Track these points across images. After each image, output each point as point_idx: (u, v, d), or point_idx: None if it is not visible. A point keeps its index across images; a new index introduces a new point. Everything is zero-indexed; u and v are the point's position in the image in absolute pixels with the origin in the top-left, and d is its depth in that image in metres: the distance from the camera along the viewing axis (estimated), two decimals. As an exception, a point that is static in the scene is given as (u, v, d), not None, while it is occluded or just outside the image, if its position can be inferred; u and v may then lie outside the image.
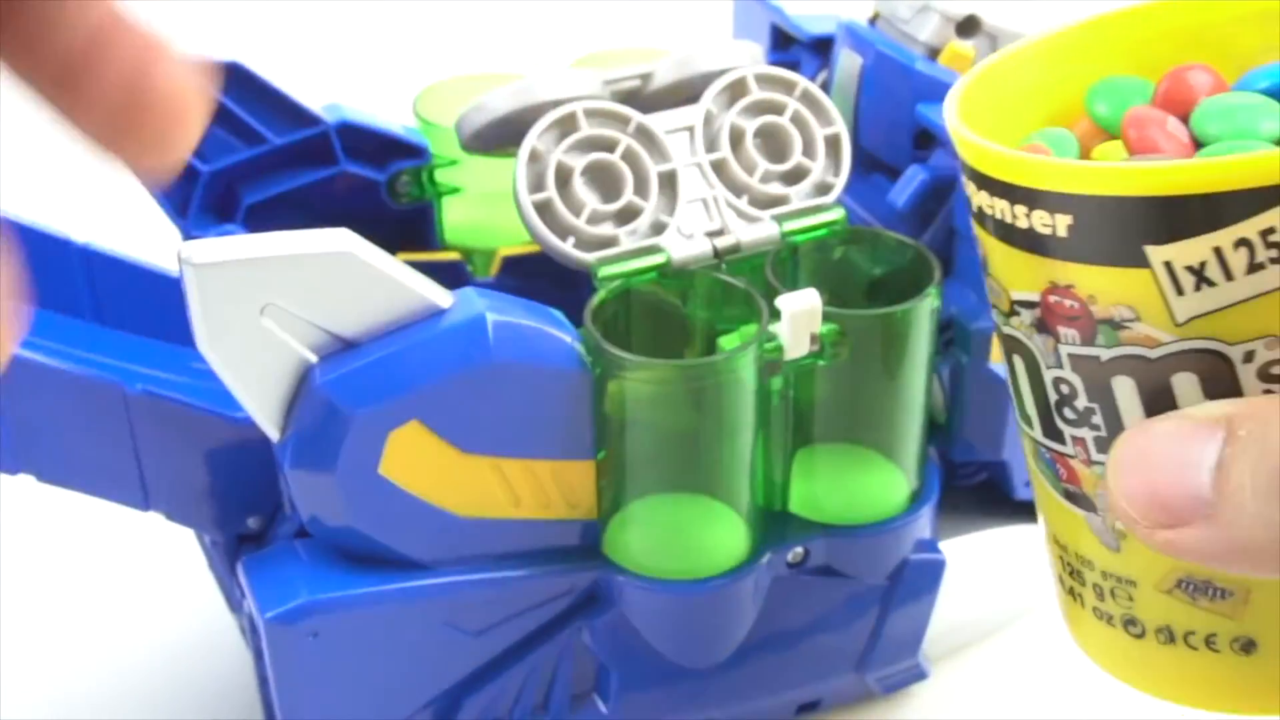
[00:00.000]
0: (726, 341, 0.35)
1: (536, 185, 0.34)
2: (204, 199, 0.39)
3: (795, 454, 0.35)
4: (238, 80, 0.38)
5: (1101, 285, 0.24)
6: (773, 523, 0.35)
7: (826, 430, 0.35)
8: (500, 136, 0.37)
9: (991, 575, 0.40)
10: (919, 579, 0.37)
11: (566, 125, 0.35)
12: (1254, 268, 0.23)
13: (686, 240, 0.35)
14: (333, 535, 0.32)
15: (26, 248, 0.34)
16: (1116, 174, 0.23)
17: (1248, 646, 0.26)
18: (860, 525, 0.35)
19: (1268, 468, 0.22)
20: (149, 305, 0.36)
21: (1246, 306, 0.23)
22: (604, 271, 0.34)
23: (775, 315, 0.32)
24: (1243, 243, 0.23)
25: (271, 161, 0.39)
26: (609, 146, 0.35)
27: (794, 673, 0.37)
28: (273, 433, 0.31)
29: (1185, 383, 0.24)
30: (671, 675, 0.35)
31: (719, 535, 0.34)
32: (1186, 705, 0.27)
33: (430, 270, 0.41)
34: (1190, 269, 0.23)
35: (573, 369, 0.31)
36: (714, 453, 0.33)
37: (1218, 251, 0.23)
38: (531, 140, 0.34)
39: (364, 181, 0.40)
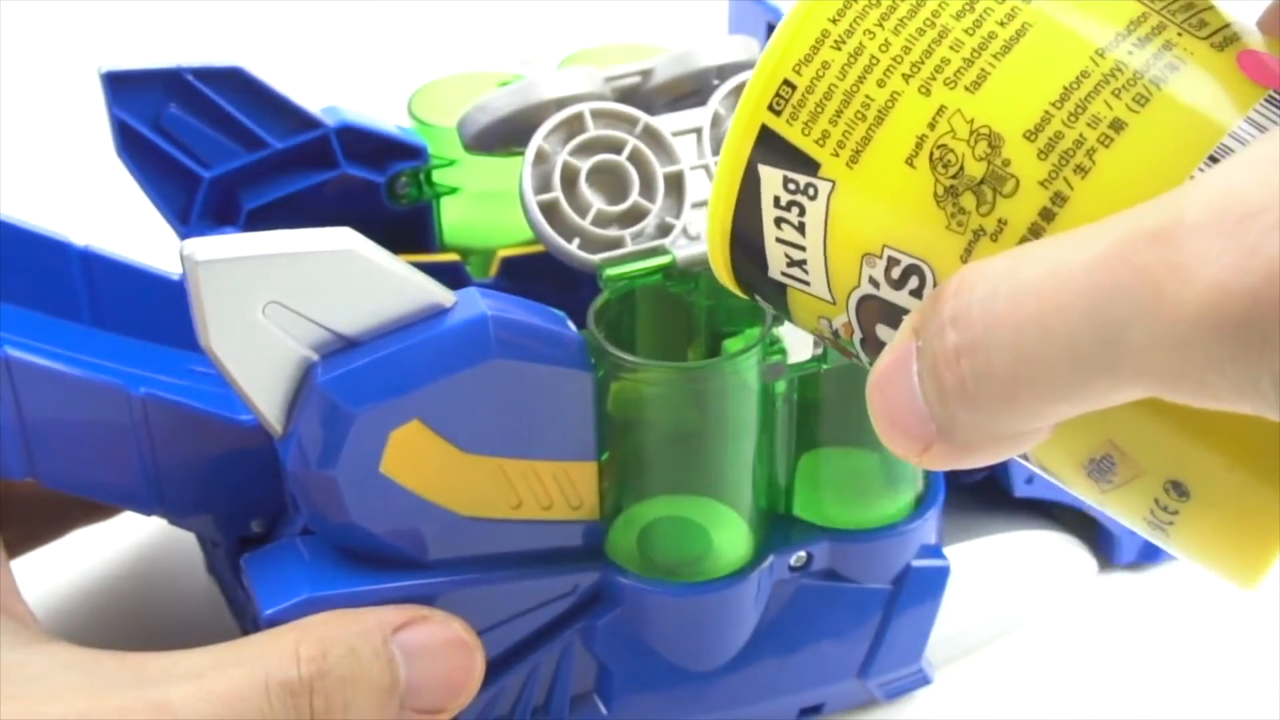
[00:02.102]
0: (731, 344, 0.35)
1: (543, 186, 0.34)
2: (205, 204, 0.39)
3: (799, 457, 0.35)
4: (239, 85, 0.38)
5: (801, 316, 0.27)
6: (776, 526, 0.35)
7: (831, 434, 0.35)
8: (504, 136, 0.37)
9: (995, 582, 0.40)
10: (923, 585, 0.36)
11: (573, 126, 0.35)
12: (801, 228, 0.25)
13: (692, 242, 0.35)
14: (335, 533, 0.32)
15: (25, 251, 0.35)
16: (708, 246, 0.27)
17: (1179, 489, 0.25)
18: (864, 530, 0.35)
19: (939, 386, 0.22)
20: (148, 308, 0.36)
21: (832, 255, 0.25)
22: (609, 272, 0.34)
23: (779, 319, 0.32)
24: (779, 221, 0.25)
25: (272, 166, 0.39)
26: (616, 148, 0.35)
27: (796, 677, 0.36)
28: (275, 430, 0.30)
29: (885, 334, 0.26)
30: (673, 677, 0.35)
31: (722, 538, 0.34)
32: (1257, 569, 0.25)
33: (429, 272, 0.41)
34: (789, 265, 0.26)
35: (575, 370, 0.31)
36: (717, 455, 0.33)
37: (780, 240, 0.26)
38: (538, 141, 0.34)
39: (363, 183, 0.40)
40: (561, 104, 0.36)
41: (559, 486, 0.33)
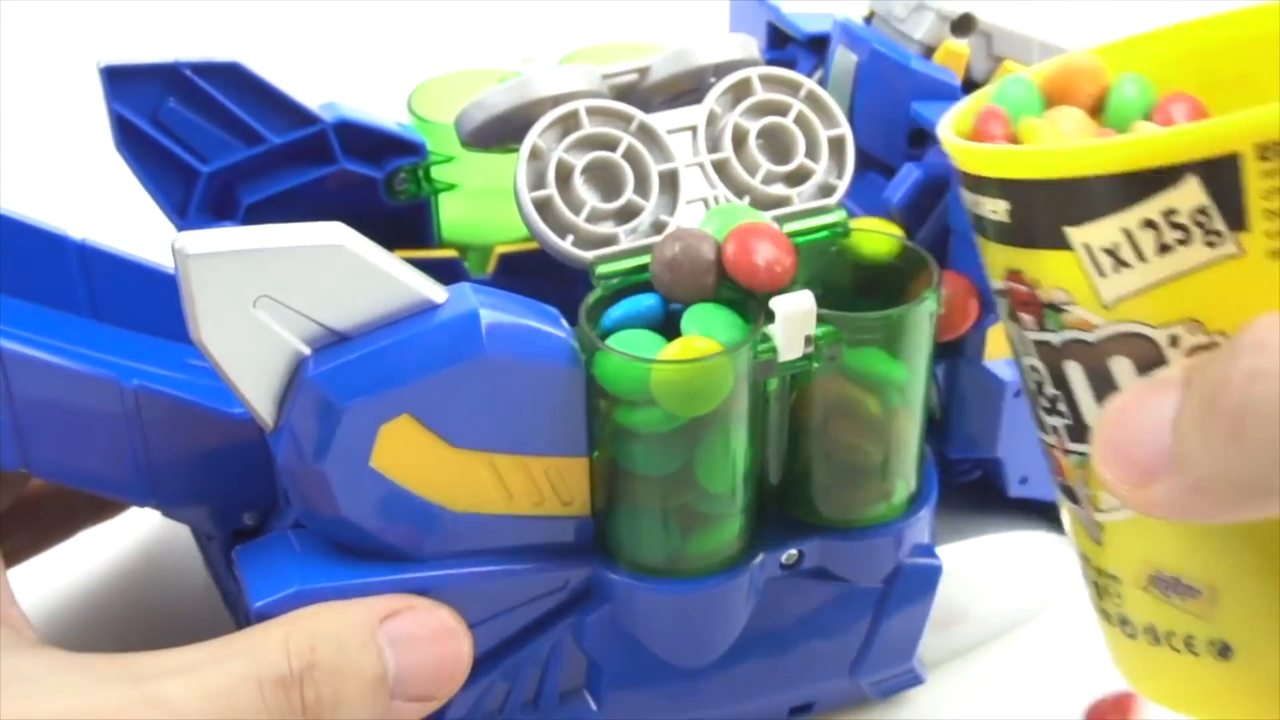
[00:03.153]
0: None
1: (537, 183, 0.34)
2: (203, 199, 0.39)
3: (793, 455, 0.35)
4: (237, 80, 0.38)
5: (1040, 269, 0.25)
6: (768, 523, 0.35)
7: (825, 432, 0.35)
8: (500, 133, 0.37)
9: (990, 582, 0.40)
10: (915, 584, 0.36)
11: (568, 123, 0.35)
12: (1163, 249, 0.23)
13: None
14: (326, 527, 0.32)
15: (24, 244, 0.35)
16: (1029, 157, 0.25)
17: (1224, 651, 0.26)
18: (856, 528, 0.35)
19: (1207, 410, 0.22)
20: (145, 301, 0.37)
21: (1164, 289, 0.24)
22: (601, 269, 0.34)
23: (771, 316, 0.32)
24: (1148, 224, 0.23)
25: (270, 161, 0.39)
26: (611, 145, 0.35)
27: (786, 675, 0.36)
28: (266, 424, 0.31)
29: (1121, 367, 0.25)
30: (663, 674, 0.35)
31: (714, 535, 0.34)
32: (1174, 710, 0.27)
33: (427, 267, 0.41)
34: (1106, 250, 0.24)
35: (565, 366, 0.31)
36: (707, 452, 0.33)
37: (1127, 233, 0.24)
38: (533, 138, 0.34)
39: (362, 179, 0.40)
40: (558, 101, 0.36)
41: (550, 482, 0.33)
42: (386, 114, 0.42)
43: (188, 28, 0.73)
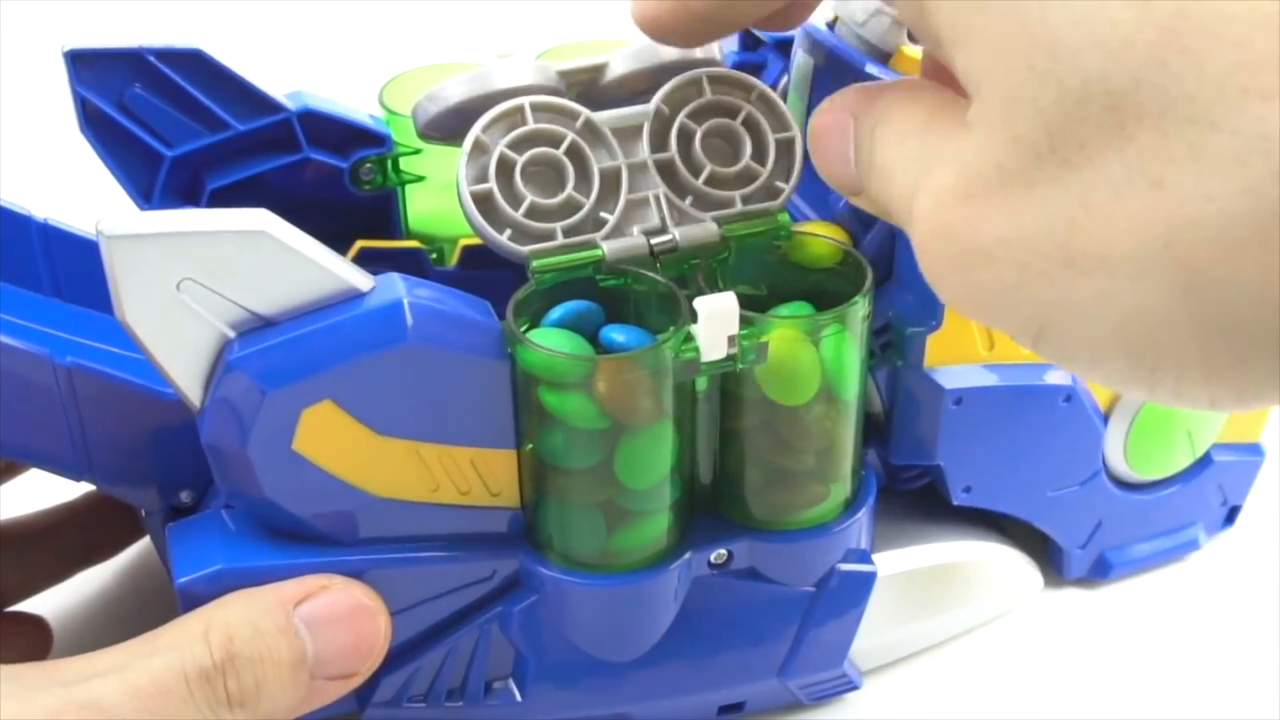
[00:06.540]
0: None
1: (478, 177, 0.35)
2: (168, 183, 0.40)
3: (724, 455, 0.35)
4: (201, 67, 0.38)
5: None
6: (699, 522, 0.35)
7: (757, 432, 0.35)
8: (454, 125, 0.37)
9: (929, 589, 0.40)
10: (847, 589, 0.36)
11: (513, 119, 0.35)
12: None
13: (624, 238, 0.35)
14: (252, 508, 0.32)
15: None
16: None
17: None
18: (788, 530, 0.35)
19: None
20: (105, 281, 0.37)
21: None
22: (538, 264, 0.34)
23: (694, 316, 0.32)
24: None
25: (235, 147, 0.40)
26: (554, 142, 0.35)
27: (714, 673, 0.37)
28: (192, 404, 0.31)
29: None
30: (589, 668, 0.35)
31: (640, 531, 0.34)
32: None
33: (391, 258, 0.42)
34: None
35: (490, 358, 0.32)
36: (632, 448, 0.33)
37: None
38: (476, 132, 0.35)
39: (327, 168, 0.41)
40: (510, 95, 0.36)
41: (476, 472, 0.33)
42: (361, 107, 0.42)
43: (168, 18, 0.74)
